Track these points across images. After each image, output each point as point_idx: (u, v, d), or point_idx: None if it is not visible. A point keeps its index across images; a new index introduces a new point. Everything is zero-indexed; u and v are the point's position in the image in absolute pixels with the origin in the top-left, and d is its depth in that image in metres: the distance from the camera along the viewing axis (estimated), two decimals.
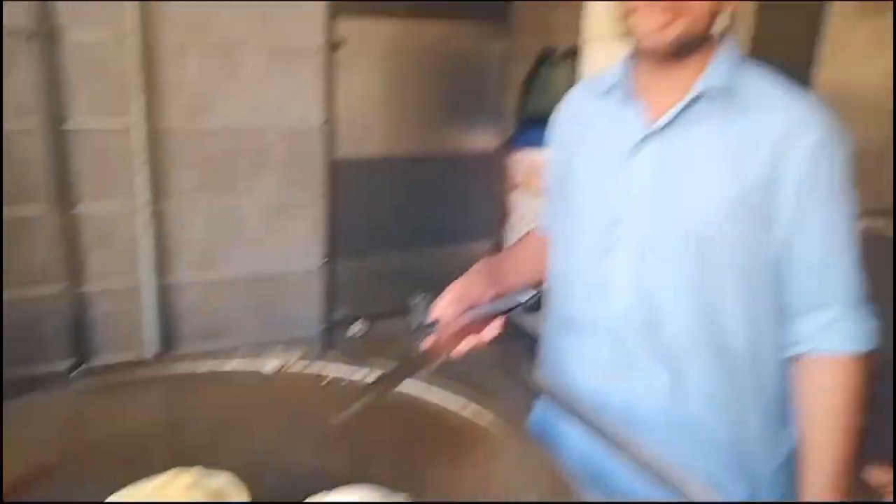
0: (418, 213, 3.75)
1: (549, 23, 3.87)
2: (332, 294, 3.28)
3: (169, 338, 2.27)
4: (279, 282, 2.24)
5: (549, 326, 1.22)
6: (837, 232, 1.01)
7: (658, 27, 0.96)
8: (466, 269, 1.12)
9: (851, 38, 2.86)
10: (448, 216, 3.84)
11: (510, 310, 1.04)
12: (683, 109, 1.00)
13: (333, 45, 3.22)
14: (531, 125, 3.86)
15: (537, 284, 1.22)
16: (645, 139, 1.03)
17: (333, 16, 2.06)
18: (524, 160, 3.82)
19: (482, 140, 3.88)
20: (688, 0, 0.95)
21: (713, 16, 0.99)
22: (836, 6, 2.75)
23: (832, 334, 1.01)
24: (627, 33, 1.01)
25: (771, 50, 3.51)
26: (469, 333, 1.00)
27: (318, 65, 2.08)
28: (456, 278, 1.08)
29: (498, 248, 3.92)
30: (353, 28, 3.26)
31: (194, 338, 2.22)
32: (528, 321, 3.45)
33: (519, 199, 3.90)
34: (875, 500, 1.54)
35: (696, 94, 1.00)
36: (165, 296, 2.20)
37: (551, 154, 1.23)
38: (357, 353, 1.24)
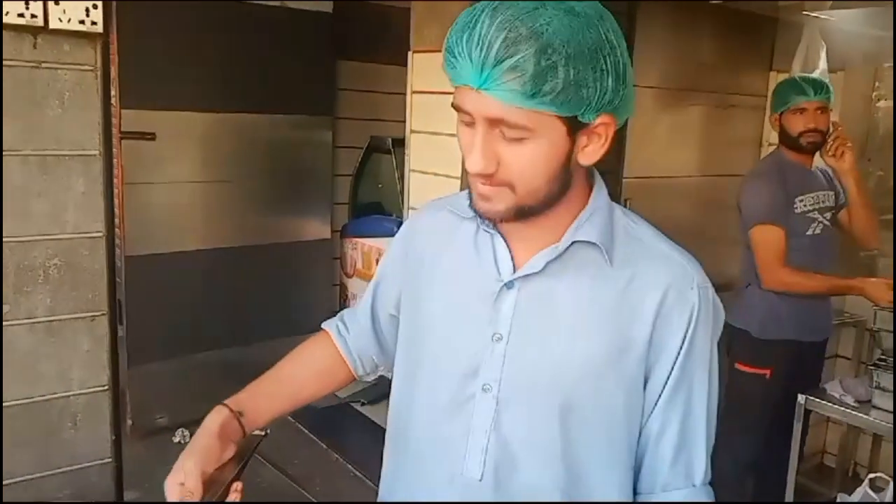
0: (251, 305, 3.56)
1: (374, 112, 3.91)
2: (139, 406, 3.04)
3: None
4: (59, 407, 1.99)
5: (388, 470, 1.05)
6: (700, 408, 0.91)
7: (483, 199, 0.84)
8: None
9: (654, 130, 3.05)
10: (283, 306, 3.67)
11: (248, 461, 0.98)
12: (552, 259, 0.89)
13: (144, 136, 3.07)
14: (365, 212, 3.84)
15: (307, 401, 1.13)
16: (509, 284, 0.90)
17: (107, 119, 1.90)
18: (360, 247, 3.77)
19: (316, 228, 3.78)
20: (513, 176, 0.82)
21: (560, 178, 0.84)
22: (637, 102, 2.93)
23: None
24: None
25: None
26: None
27: (96, 170, 1.91)
28: None
29: None
30: (167, 120, 3.12)
31: None
32: None
33: (356, 287, 3.82)
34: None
35: (566, 246, 0.88)
36: None
37: (394, 268, 1.08)
38: None
